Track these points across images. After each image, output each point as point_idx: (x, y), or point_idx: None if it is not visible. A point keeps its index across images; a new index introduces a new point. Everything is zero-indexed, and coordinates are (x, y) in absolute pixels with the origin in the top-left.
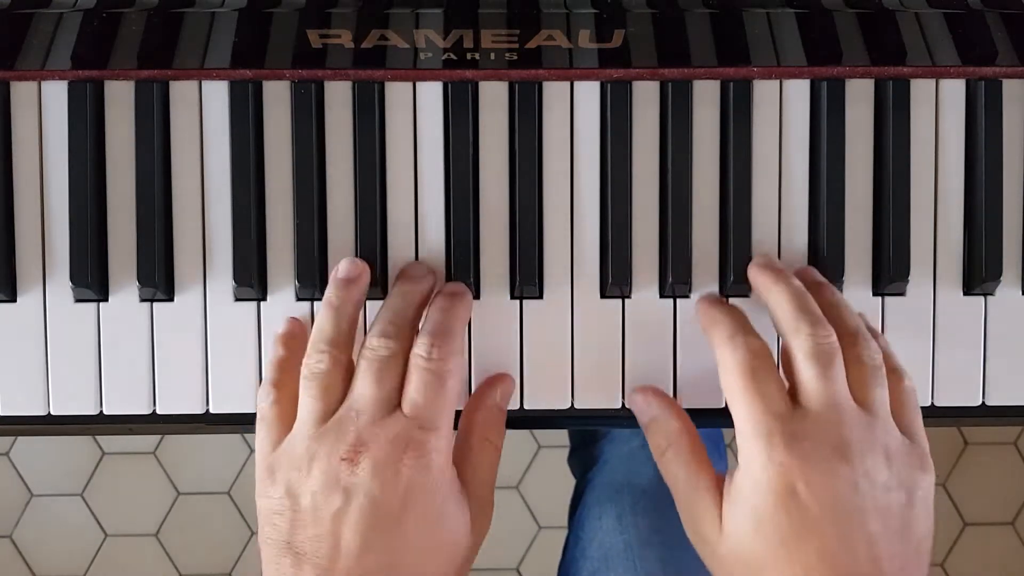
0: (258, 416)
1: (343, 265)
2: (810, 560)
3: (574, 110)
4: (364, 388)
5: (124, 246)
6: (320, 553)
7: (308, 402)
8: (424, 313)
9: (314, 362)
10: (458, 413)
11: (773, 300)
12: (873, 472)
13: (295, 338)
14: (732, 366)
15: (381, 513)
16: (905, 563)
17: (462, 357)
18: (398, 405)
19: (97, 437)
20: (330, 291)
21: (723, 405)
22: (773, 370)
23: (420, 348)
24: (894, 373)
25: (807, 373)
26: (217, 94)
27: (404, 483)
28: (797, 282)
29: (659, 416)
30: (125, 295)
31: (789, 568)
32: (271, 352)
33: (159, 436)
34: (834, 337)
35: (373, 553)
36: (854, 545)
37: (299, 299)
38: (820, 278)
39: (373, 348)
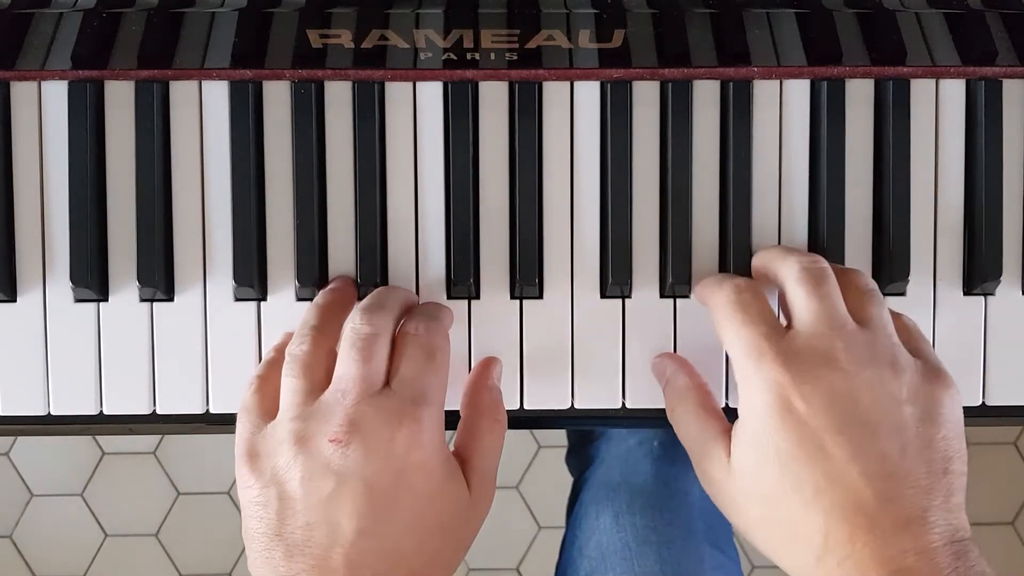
0: (240, 406)
1: (332, 281)
2: (818, 483)
3: (574, 110)
4: (349, 366)
5: (124, 246)
6: (313, 542)
7: (290, 383)
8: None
9: (295, 346)
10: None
11: (767, 257)
12: (878, 384)
13: None
14: (721, 303)
15: (376, 496)
16: (931, 485)
17: (449, 345)
18: (386, 384)
19: (97, 437)
20: (318, 296)
21: (725, 403)
22: (760, 298)
23: (408, 326)
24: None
25: (797, 294)
26: (217, 94)
27: (398, 462)
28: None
29: (670, 375)
30: (125, 295)
31: (797, 495)
32: (264, 355)
33: (159, 436)
34: (825, 263)
35: (370, 537)
36: (864, 463)
37: (299, 299)
38: None
39: (356, 327)
